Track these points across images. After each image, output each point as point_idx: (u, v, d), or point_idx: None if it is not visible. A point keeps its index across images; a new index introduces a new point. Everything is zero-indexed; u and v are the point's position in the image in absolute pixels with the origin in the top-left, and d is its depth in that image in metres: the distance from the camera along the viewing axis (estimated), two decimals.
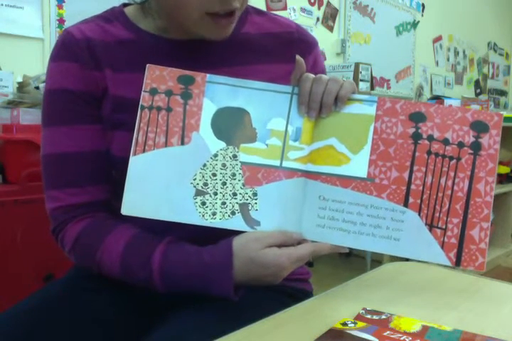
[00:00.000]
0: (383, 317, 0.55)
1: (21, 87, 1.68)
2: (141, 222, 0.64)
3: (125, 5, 0.77)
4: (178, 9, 0.64)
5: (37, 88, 1.63)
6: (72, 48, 0.70)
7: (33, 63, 1.92)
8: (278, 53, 0.76)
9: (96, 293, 0.70)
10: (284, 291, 0.73)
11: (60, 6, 1.97)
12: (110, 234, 0.66)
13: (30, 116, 1.51)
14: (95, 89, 0.71)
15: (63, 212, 0.70)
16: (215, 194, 0.64)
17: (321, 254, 0.63)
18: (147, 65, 0.65)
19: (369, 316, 0.55)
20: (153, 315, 0.71)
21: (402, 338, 0.49)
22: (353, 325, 0.52)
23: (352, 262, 2.74)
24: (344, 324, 0.52)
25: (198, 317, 0.61)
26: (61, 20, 1.98)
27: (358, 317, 0.55)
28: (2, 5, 1.82)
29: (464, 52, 5.17)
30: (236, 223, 0.63)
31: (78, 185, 0.70)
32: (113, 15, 0.75)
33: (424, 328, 0.52)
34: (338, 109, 0.65)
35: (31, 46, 1.92)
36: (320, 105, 0.64)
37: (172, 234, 0.65)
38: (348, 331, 0.51)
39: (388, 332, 0.51)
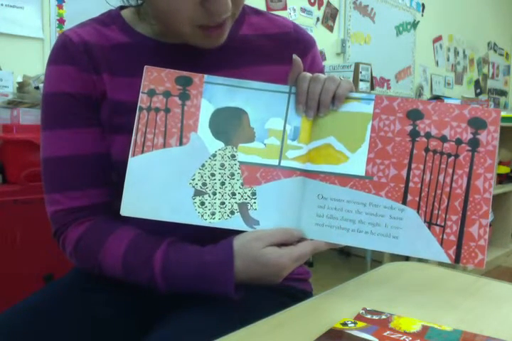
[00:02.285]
0: (383, 317, 0.55)
1: (21, 87, 1.68)
2: (142, 223, 0.64)
3: (122, 8, 0.77)
4: (169, 20, 0.64)
5: (37, 88, 1.63)
6: (70, 52, 0.70)
7: (33, 63, 1.92)
8: (276, 54, 0.76)
9: (96, 293, 0.70)
10: (284, 291, 0.73)
11: (60, 6, 1.97)
12: (111, 236, 0.66)
13: (30, 116, 1.51)
14: (93, 93, 0.70)
15: (64, 215, 0.70)
16: (214, 194, 0.64)
17: (320, 251, 0.63)
18: (145, 67, 0.65)
19: (369, 316, 0.55)
20: (153, 315, 0.71)
21: (402, 338, 0.49)
22: (353, 325, 0.52)
23: (352, 262, 2.74)
24: (344, 324, 0.52)
25: (197, 318, 0.61)
26: (61, 20, 1.98)
27: (358, 317, 0.55)
28: (2, 5, 1.82)
29: (464, 52, 5.17)
30: (235, 223, 0.63)
31: (78, 188, 0.70)
32: (110, 19, 0.74)
33: (424, 328, 0.52)
34: (335, 108, 0.65)
35: (31, 46, 1.92)
36: (318, 104, 0.64)
37: (173, 235, 0.65)
38: (348, 331, 0.51)
39: (388, 332, 0.51)
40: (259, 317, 0.55)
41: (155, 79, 0.65)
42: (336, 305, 0.60)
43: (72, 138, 0.70)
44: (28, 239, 1.36)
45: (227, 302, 0.61)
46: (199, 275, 0.61)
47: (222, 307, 0.61)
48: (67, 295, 0.69)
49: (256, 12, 0.79)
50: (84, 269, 0.71)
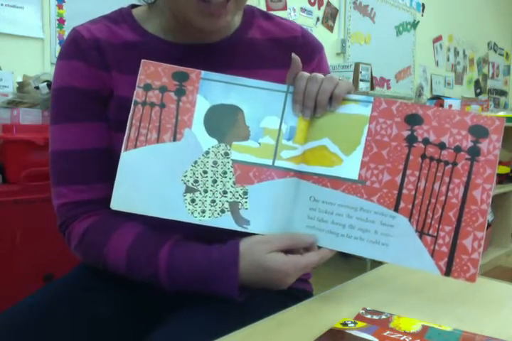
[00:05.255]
0: (383, 317, 0.55)
1: (21, 87, 1.68)
2: (147, 219, 0.64)
3: (133, 6, 0.78)
4: None
5: (37, 88, 1.63)
6: (81, 47, 0.71)
7: (33, 63, 1.91)
8: (282, 59, 0.76)
9: (97, 293, 0.70)
10: (284, 291, 0.73)
11: (60, 6, 1.97)
12: (117, 231, 0.67)
13: (30, 116, 1.51)
14: (102, 88, 0.71)
15: (69, 208, 0.71)
16: (205, 191, 0.63)
17: (326, 260, 0.62)
18: (142, 61, 0.65)
19: (369, 316, 0.55)
20: (154, 315, 0.71)
21: (402, 338, 0.49)
22: (353, 325, 0.52)
23: (352, 262, 2.74)
24: (344, 324, 0.52)
25: (198, 318, 0.61)
26: (61, 20, 1.98)
27: (358, 317, 0.55)
28: (2, 5, 1.82)
29: (464, 52, 5.16)
30: (225, 221, 0.63)
31: (85, 182, 0.71)
32: (121, 17, 0.75)
33: (424, 328, 0.52)
34: (332, 109, 0.64)
35: (31, 46, 1.92)
36: (315, 104, 0.64)
37: (178, 232, 0.65)
38: (348, 331, 0.51)
39: (388, 332, 0.51)
40: (259, 317, 0.56)
41: (152, 73, 0.65)
42: (336, 305, 0.60)
43: (80, 133, 0.71)
44: (28, 239, 1.36)
45: (227, 303, 0.61)
46: (203, 274, 0.61)
47: (222, 307, 0.61)
48: (67, 295, 0.69)
49: (265, 16, 0.80)
50: (89, 263, 0.71)
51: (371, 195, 0.61)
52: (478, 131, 0.60)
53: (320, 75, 0.65)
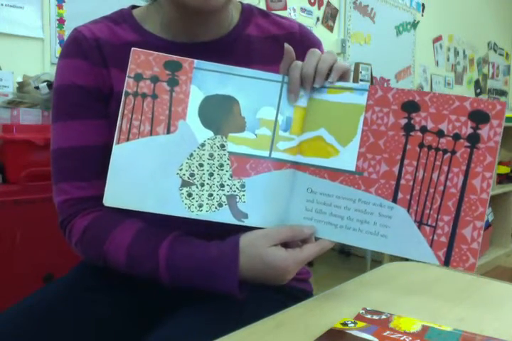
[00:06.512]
0: (383, 317, 0.55)
1: (21, 87, 1.68)
2: (147, 216, 0.64)
3: (133, 7, 0.78)
4: None
5: (37, 88, 1.63)
6: (82, 46, 0.72)
7: (33, 63, 1.91)
8: (279, 55, 0.76)
9: (96, 293, 0.70)
10: (284, 291, 0.73)
11: (60, 6, 1.97)
12: (118, 227, 0.67)
13: (30, 116, 1.51)
14: (103, 86, 0.72)
15: (71, 205, 0.71)
16: (202, 185, 0.63)
17: (326, 250, 0.62)
18: (132, 49, 0.63)
19: (369, 316, 0.55)
20: (153, 315, 0.71)
21: (402, 338, 0.49)
22: (353, 325, 0.52)
23: (352, 262, 2.74)
24: (344, 324, 0.52)
25: (198, 318, 0.61)
26: (61, 20, 1.98)
27: (358, 317, 0.55)
28: (2, 5, 1.82)
29: (464, 52, 5.16)
30: (223, 215, 0.62)
31: (86, 178, 0.71)
32: (121, 17, 0.76)
33: (424, 328, 0.52)
34: (331, 80, 0.62)
35: (31, 46, 1.92)
36: (311, 88, 0.63)
37: (178, 228, 0.65)
38: (348, 331, 0.51)
39: (388, 332, 0.51)
40: (259, 317, 0.56)
41: (142, 63, 0.63)
42: (336, 305, 0.60)
43: (82, 130, 0.71)
44: (28, 239, 1.36)
45: (227, 303, 0.61)
46: (203, 269, 0.61)
47: (222, 307, 0.61)
48: (67, 295, 0.69)
49: (263, 14, 0.81)
50: (89, 260, 0.71)
51: (369, 186, 0.61)
52: (479, 117, 0.58)
53: (317, 51, 0.63)
